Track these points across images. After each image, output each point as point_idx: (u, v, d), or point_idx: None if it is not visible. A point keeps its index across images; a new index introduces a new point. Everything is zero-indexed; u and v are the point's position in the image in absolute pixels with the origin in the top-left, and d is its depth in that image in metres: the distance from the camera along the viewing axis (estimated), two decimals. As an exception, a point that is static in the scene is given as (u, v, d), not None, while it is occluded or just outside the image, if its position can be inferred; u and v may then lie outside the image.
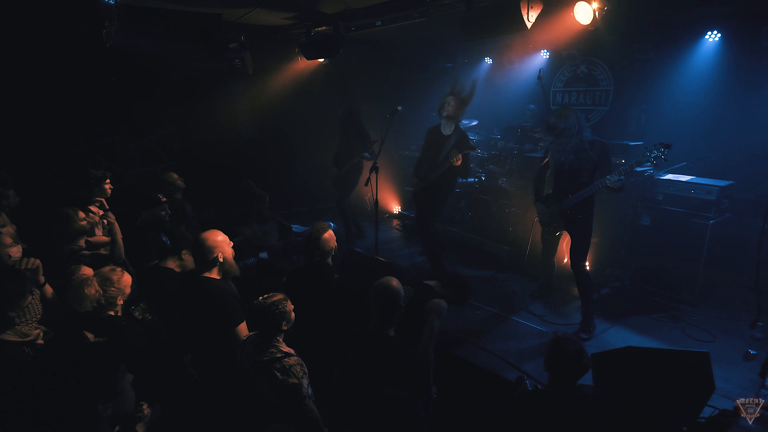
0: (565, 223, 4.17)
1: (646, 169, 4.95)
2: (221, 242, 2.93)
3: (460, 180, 6.54)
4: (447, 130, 4.94)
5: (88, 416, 1.62)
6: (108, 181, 4.15)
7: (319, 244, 3.17)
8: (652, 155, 3.63)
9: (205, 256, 2.88)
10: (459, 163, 4.72)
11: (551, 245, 4.52)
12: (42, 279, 2.78)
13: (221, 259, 2.91)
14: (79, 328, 2.48)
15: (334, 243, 3.26)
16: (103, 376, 1.68)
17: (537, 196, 4.40)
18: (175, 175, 4.76)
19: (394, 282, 2.59)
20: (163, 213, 4.02)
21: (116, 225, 3.81)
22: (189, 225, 4.53)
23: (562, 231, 4.39)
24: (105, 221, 3.79)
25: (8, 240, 2.95)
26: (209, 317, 2.78)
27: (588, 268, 4.22)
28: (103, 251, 3.71)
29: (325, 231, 3.21)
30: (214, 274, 2.91)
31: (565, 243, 4.68)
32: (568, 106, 3.98)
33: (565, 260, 4.81)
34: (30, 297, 2.43)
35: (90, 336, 2.43)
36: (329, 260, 3.29)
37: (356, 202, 7.11)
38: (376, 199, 4.68)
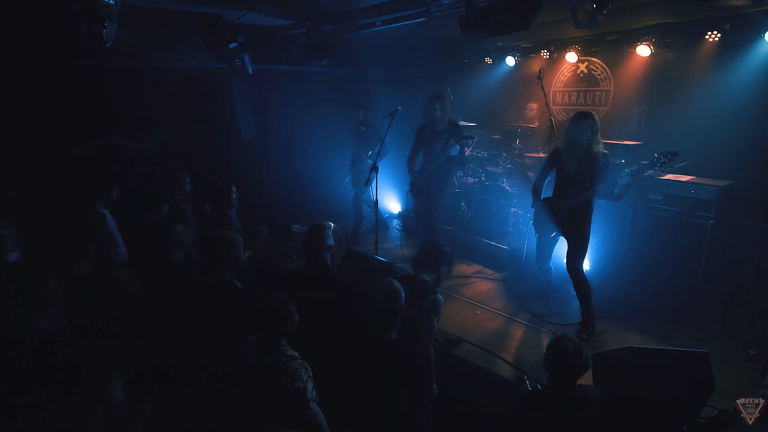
0: (562, 226, 4.16)
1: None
2: (241, 243, 2.98)
3: (459, 180, 6.57)
4: (439, 126, 5.04)
5: (77, 423, 1.60)
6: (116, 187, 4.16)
7: (318, 244, 3.17)
8: (659, 162, 3.69)
9: (229, 253, 2.90)
10: (456, 152, 4.87)
11: (546, 250, 4.51)
12: None
13: (239, 260, 2.94)
14: (82, 327, 2.47)
15: (332, 242, 3.26)
16: (88, 380, 1.64)
17: (535, 198, 4.37)
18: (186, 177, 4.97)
19: (395, 284, 2.60)
20: (165, 211, 4.04)
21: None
22: (188, 225, 4.54)
23: (557, 234, 4.37)
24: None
25: (9, 243, 2.94)
26: (224, 321, 2.78)
27: (587, 268, 4.22)
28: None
29: (324, 230, 3.21)
30: (230, 275, 2.93)
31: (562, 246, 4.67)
32: (590, 113, 3.99)
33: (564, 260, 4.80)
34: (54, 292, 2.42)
35: None
36: (328, 260, 3.29)
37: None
38: (377, 199, 4.70)
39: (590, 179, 3.93)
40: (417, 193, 5.36)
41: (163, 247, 3.63)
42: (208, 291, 2.91)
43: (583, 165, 3.95)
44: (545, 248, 4.51)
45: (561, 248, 4.65)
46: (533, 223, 4.54)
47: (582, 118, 3.91)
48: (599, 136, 3.93)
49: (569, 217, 4.06)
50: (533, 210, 4.44)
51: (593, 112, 4.05)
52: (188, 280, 3.16)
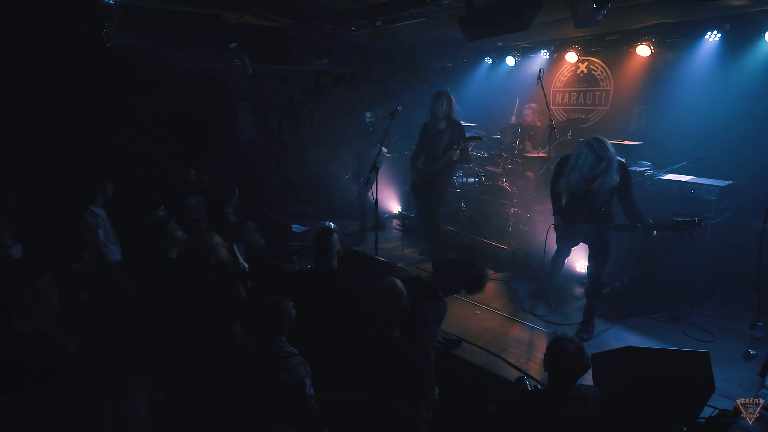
0: (586, 239, 4.10)
1: (646, 169, 4.95)
2: (214, 245, 2.96)
3: (459, 180, 6.56)
4: (442, 124, 5.00)
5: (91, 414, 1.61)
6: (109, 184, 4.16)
7: (327, 248, 3.18)
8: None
9: (198, 258, 2.91)
10: (457, 157, 4.85)
11: (564, 253, 4.45)
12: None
13: (213, 261, 2.93)
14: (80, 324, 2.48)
15: (339, 246, 3.28)
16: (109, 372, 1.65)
17: (556, 210, 4.18)
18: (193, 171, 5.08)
19: (399, 283, 2.59)
20: (163, 214, 4.03)
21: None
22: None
23: (579, 242, 4.31)
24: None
25: (7, 239, 2.95)
26: (202, 317, 2.78)
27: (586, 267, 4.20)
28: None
29: (332, 235, 3.23)
30: (211, 275, 2.93)
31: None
32: (602, 139, 3.75)
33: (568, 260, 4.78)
34: (47, 288, 2.42)
35: None
36: (336, 264, 3.30)
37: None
38: (376, 198, 4.70)
39: (604, 195, 3.77)
40: (418, 193, 5.34)
41: (158, 246, 3.63)
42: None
43: (591, 192, 3.77)
44: (562, 258, 4.46)
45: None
46: (557, 237, 4.39)
47: (593, 149, 3.65)
48: (614, 169, 3.66)
49: (593, 231, 3.97)
50: (556, 221, 4.23)
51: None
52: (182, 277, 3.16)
